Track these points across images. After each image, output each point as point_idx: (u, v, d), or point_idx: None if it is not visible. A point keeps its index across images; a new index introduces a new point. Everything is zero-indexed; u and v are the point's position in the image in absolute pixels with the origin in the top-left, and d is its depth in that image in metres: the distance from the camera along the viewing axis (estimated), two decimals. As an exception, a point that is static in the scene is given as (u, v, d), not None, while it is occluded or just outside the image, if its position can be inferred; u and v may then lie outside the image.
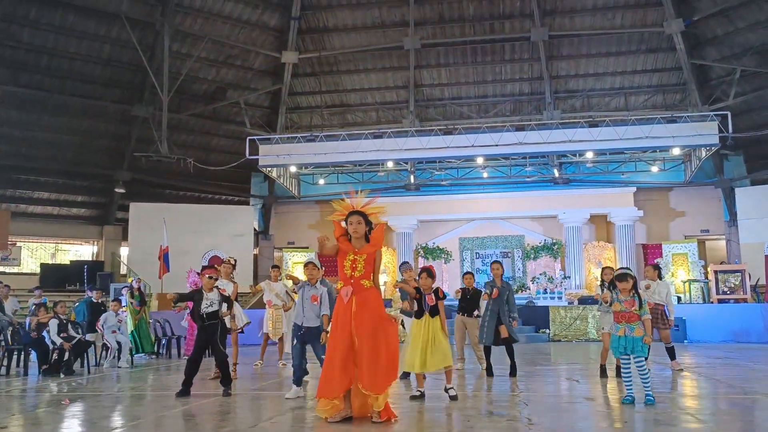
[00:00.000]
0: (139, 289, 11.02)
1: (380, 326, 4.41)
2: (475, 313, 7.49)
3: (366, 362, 4.27)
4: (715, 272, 14.66)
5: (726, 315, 13.14)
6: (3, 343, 8.96)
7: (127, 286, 11.58)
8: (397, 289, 7.03)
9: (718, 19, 16.15)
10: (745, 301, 14.17)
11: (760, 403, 5.29)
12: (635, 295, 4.99)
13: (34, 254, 19.67)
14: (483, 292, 7.32)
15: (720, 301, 14.29)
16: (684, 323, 12.83)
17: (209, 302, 5.92)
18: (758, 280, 15.00)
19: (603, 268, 7.11)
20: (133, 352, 9.94)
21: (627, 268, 5.21)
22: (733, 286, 14.37)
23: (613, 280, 5.18)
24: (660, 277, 7.92)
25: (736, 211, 16.81)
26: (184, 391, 5.76)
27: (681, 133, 14.95)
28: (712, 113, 15.31)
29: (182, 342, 11.05)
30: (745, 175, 17.29)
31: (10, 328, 9.23)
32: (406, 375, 6.30)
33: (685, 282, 16.03)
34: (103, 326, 9.33)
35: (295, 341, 5.79)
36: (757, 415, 4.81)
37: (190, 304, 6.22)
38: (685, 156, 17.25)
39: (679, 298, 15.07)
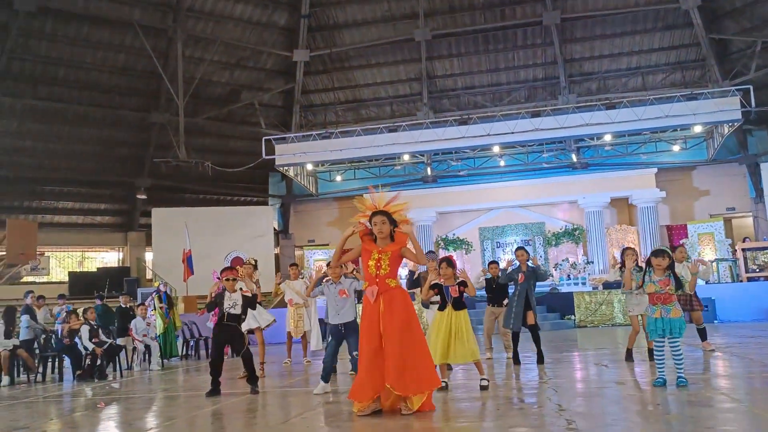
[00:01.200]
0: (166, 292, 11.23)
1: (409, 326, 4.39)
2: (505, 302, 7.42)
3: (394, 361, 4.25)
4: (743, 250, 14.33)
5: (756, 293, 12.86)
6: (37, 351, 9.22)
7: (155, 291, 11.80)
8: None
9: (736, -9, 15.73)
10: (775, 278, 13.83)
11: (797, 381, 5.16)
12: (671, 274, 4.82)
13: (62, 263, 20.13)
14: (518, 272, 7.08)
15: (750, 279, 13.97)
16: (713, 303, 12.58)
17: (233, 302, 5.97)
18: (789, 256, 14.62)
19: (624, 249, 6.80)
20: (163, 356, 10.13)
21: (664, 247, 5.03)
22: (762, 263, 14.04)
23: (649, 258, 4.97)
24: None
25: (762, 187, 16.38)
26: (214, 391, 5.85)
27: (702, 110, 14.61)
28: (733, 88, 14.91)
29: (210, 343, 11.22)
30: (771, 150, 16.85)
31: (44, 336, 9.49)
32: None
33: (713, 261, 15.69)
34: (135, 333, 9.62)
35: (330, 338, 5.83)
36: (795, 394, 4.69)
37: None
38: (707, 133, 16.85)
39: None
